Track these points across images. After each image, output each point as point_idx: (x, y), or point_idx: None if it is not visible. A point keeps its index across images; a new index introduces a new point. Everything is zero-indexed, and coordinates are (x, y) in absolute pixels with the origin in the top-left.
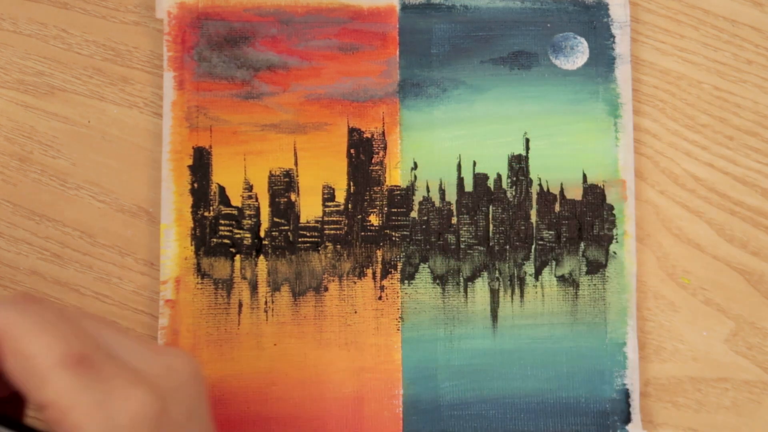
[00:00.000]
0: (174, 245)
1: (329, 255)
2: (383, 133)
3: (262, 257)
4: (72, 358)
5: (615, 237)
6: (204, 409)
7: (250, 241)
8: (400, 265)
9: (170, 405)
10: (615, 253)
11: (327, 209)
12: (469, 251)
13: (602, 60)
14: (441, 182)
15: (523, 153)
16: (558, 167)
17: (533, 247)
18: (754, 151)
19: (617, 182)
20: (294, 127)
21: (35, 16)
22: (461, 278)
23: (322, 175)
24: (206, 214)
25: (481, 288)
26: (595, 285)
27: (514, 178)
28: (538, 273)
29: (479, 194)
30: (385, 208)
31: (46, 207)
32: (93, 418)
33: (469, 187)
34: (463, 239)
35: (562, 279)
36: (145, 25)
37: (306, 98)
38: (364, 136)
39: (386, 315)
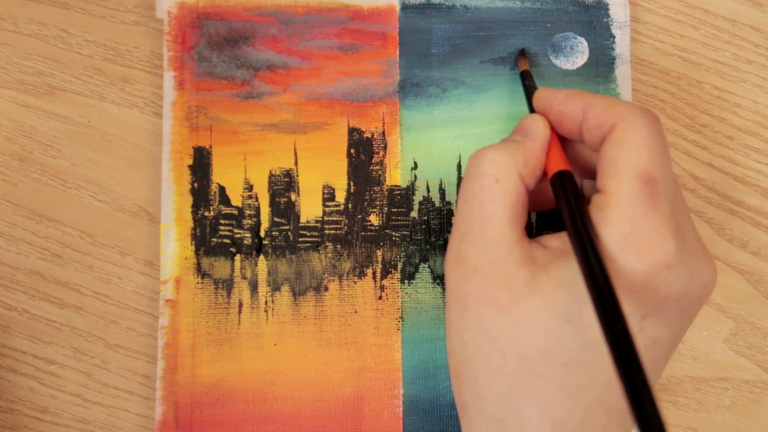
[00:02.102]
0: (174, 245)
1: (329, 255)
2: (383, 133)
3: (262, 257)
4: (646, 175)
5: None
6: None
7: (250, 240)
8: (400, 265)
9: (683, 288)
10: None
11: (327, 209)
12: None
13: (602, 60)
14: (441, 182)
15: None
16: None
17: None
18: (754, 151)
19: None
20: (294, 127)
21: (35, 16)
22: None
23: (322, 175)
24: (206, 213)
25: None
26: None
27: None
28: None
29: None
30: (385, 208)
31: (46, 207)
32: (630, 233)
33: None
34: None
35: None
36: (145, 25)
37: (306, 98)
38: (364, 136)
39: (386, 315)
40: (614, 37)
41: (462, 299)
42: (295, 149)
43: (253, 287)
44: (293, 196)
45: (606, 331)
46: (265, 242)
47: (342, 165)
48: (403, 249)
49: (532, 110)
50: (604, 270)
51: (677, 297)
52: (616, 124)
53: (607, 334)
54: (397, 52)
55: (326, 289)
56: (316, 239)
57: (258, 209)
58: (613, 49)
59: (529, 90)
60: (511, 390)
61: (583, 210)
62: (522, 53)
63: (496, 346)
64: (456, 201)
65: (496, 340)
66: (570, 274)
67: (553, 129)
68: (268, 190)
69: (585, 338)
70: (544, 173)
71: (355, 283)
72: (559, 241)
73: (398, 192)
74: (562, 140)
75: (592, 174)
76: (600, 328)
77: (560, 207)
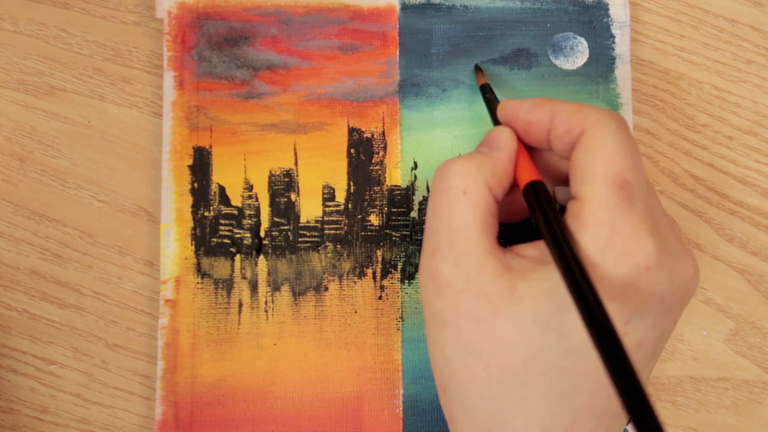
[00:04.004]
0: (174, 245)
1: (329, 255)
2: (383, 133)
3: (262, 257)
4: (620, 178)
5: None
6: (674, 322)
7: (250, 240)
8: (400, 265)
9: (666, 291)
10: None
11: (327, 209)
12: None
13: (602, 60)
14: None
15: None
16: None
17: None
18: (754, 151)
19: None
20: (294, 127)
21: (35, 16)
22: None
23: (322, 175)
24: (206, 213)
25: None
26: None
27: None
28: None
29: None
30: (385, 208)
31: (46, 207)
32: (609, 238)
33: None
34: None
35: None
36: (145, 25)
37: (306, 98)
38: (364, 136)
39: (386, 315)
40: (614, 37)
41: (439, 315)
42: (295, 149)
43: (253, 287)
44: (293, 196)
45: (594, 337)
46: (265, 242)
47: (342, 165)
48: (403, 249)
49: (496, 123)
50: (587, 277)
51: (660, 298)
52: (585, 130)
53: (596, 341)
54: (397, 52)
55: (326, 289)
56: (316, 239)
57: (258, 209)
58: (613, 49)
59: (491, 103)
60: (497, 401)
61: (559, 219)
62: (477, 67)
63: (479, 359)
64: (425, 216)
65: (479, 353)
66: (550, 281)
67: (520, 140)
68: (268, 190)
69: (567, 345)
70: (515, 185)
71: (355, 283)
72: (536, 250)
73: (398, 192)
74: (530, 150)
75: (563, 181)
76: (588, 335)
77: (535, 217)
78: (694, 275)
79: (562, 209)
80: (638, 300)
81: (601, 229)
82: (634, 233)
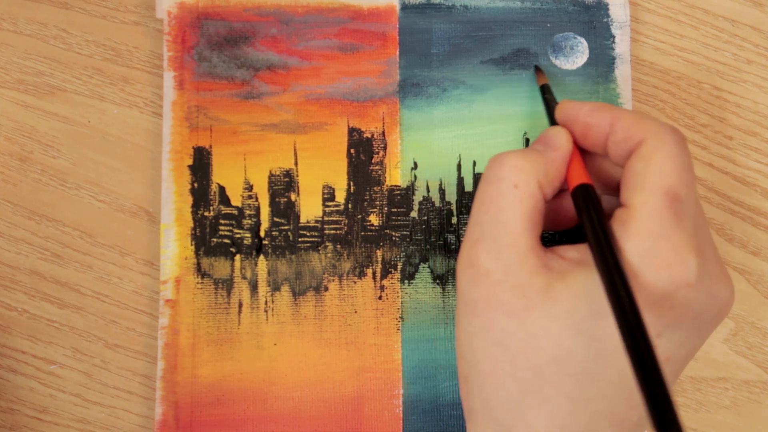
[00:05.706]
0: (174, 245)
1: (329, 255)
2: (383, 133)
3: (262, 257)
4: (672, 192)
5: None
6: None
7: (250, 240)
8: (400, 265)
9: (701, 309)
10: None
11: (327, 209)
12: None
13: (602, 60)
14: (441, 182)
15: None
16: None
17: None
18: (754, 151)
19: None
20: (294, 127)
21: (35, 16)
22: None
23: (322, 175)
24: (206, 213)
25: None
26: None
27: None
28: None
29: None
30: (385, 208)
31: (46, 207)
32: (653, 248)
33: (469, 187)
34: (463, 239)
35: None
36: (145, 25)
37: (306, 98)
38: (364, 136)
39: (386, 315)
40: (614, 37)
41: (472, 304)
42: (295, 149)
43: (253, 287)
44: (293, 196)
45: (628, 345)
46: (265, 242)
47: (342, 165)
48: (403, 249)
49: (553, 123)
50: (627, 284)
51: (694, 316)
52: (644, 140)
53: (629, 349)
54: (397, 52)
55: (326, 289)
56: (316, 239)
57: (258, 209)
58: (613, 49)
59: (550, 103)
60: (519, 397)
61: (605, 223)
62: (537, 68)
63: (506, 353)
64: (472, 203)
65: (507, 347)
66: (587, 284)
67: (575, 142)
68: (268, 190)
69: (597, 350)
70: (563, 189)
71: (355, 283)
72: (577, 253)
73: (398, 192)
74: (583, 154)
75: (611, 189)
76: (621, 342)
77: (582, 219)
78: (729, 299)
79: (609, 216)
80: (673, 315)
81: (646, 239)
82: (678, 248)
